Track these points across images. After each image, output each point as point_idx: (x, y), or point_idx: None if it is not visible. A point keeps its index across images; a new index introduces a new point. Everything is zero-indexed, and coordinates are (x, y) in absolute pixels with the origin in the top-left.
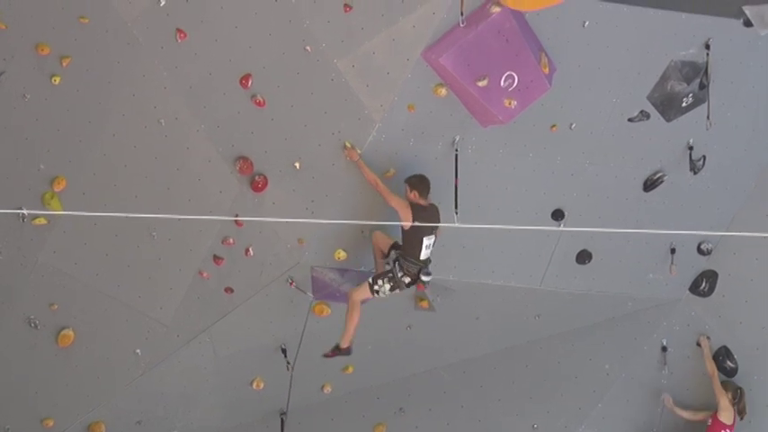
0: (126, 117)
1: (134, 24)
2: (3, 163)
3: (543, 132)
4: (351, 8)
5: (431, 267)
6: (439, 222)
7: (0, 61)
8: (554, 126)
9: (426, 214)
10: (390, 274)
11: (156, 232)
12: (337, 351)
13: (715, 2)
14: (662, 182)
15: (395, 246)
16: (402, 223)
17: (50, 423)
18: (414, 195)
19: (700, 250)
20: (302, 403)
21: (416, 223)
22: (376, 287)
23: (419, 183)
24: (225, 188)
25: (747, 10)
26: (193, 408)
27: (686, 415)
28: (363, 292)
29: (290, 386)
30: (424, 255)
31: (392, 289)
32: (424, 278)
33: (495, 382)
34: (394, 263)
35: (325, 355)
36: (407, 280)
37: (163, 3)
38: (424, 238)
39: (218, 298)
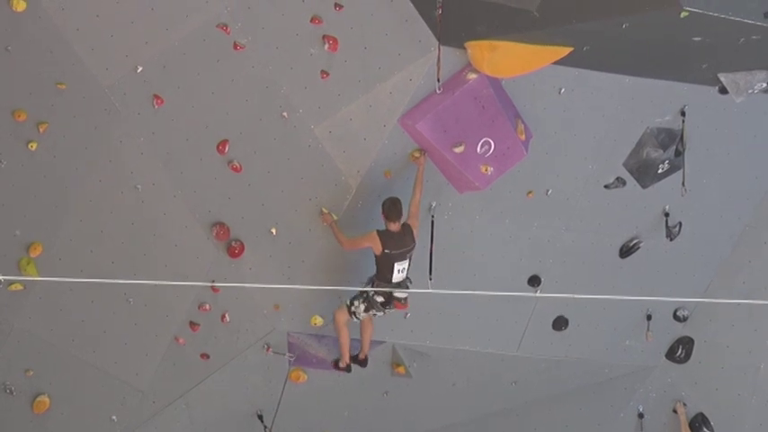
0: (103, 183)
1: (111, 90)
2: None
3: (520, 199)
4: (328, 75)
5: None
6: (412, 242)
7: None
8: (530, 192)
9: (396, 238)
10: (364, 295)
11: (133, 298)
12: (336, 366)
13: (690, 69)
14: (638, 248)
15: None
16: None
17: None
18: (383, 219)
19: (676, 317)
20: None
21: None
22: (353, 308)
23: (388, 208)
24: (201, 254)
25: (723, 77)
26: None
27: None
28: (344, 314)
29: None
30: (396, 278)
31: (367, 310)
32: (398, 294)
33: None
34: (368, 284)
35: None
36: (380, 299)
37: (140, 69)
38: (396, 264)
39: (194, 364)
